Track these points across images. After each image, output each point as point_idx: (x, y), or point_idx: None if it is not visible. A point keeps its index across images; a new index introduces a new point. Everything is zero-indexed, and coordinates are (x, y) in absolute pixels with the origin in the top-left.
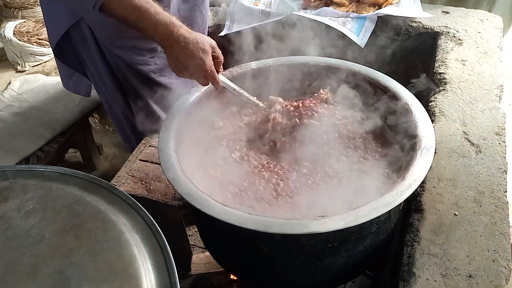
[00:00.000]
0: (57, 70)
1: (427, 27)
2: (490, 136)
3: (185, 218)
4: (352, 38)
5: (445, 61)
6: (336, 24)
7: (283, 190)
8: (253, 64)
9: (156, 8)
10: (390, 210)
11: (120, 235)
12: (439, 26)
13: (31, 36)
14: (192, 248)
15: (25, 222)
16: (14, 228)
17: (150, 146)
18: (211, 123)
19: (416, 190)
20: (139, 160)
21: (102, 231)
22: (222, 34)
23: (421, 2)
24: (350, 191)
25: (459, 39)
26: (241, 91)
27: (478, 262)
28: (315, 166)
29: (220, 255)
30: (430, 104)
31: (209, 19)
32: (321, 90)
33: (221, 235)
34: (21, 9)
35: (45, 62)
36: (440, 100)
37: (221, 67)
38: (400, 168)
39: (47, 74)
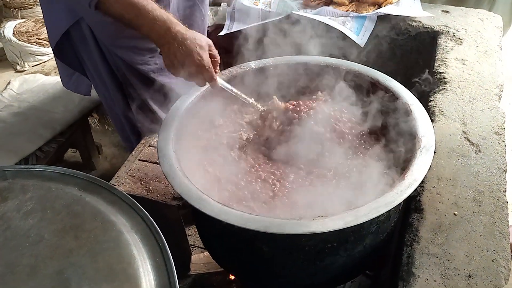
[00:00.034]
0: (57, 70)
1: (427, 26)
2: (489, 135)
3: (185, 218)
4: (352, 38)
5: (445, 61)
6: (336, 23)
7: (279, 190)
8: (253, 64)
9: (153, 5)
10: (389, 210)
11: (119, 235)
12: (439, 25)
13: (31, 36)
14: (191, 248)
15: (24, 222)
16: (13, 228)
17: (149, 146)
18: (212, 122)
19: (415, 190)
20: (139, 160)
21: (101, 231)
22: (221, 33)
23: (421, 1)
24: (349, 191)
25: (459, 38)
26: (239, 93)
27: (478, 262)
28: (313, 166)
29: (220, 255)
30: (429, 103)
31: (209, 19)
32: (319, 93)
33: (220, 235)
34: (20, 9)
35: (44, 62)
36: (440, 100)
37: (218, 67)
38: (399, 167)
39: (46, 74)
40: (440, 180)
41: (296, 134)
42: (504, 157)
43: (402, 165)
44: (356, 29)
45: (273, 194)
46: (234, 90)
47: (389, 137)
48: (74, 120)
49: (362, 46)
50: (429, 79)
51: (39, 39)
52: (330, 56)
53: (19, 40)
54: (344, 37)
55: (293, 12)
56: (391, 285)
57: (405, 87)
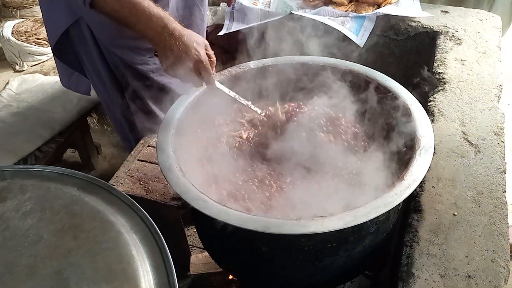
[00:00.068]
0: (56, 70)
1: (426, 26)
2: (489, 136)
3: (184, 218)
4: (351, 38)
5: (444, 61)
6: (335, 23)
7: (276, 191)
8: (252, 64)
9: (149, 2)
10: (389, 210)
11: (118, 236)
12: (438, 26)
13: (30, 36)
14: (190, 248)
15: (23, 222)
16: (12, 228)
17: (148, 146)
18: (212, 121)
19: (415, 190)
20: (138, 160)
21: (100, 231)
22: (221, 33)
23: (420, 2)
24: (348, 192)
25: (458, 38)
26: (237, 96)
27: (477, 262)
28: (312, 166)
29: (219, 255)
30: (429, 104)
31: (208, 19)
32: (317, 94)
33: (220, 235)
34: (19, 9)
35: (43, 61)
36: (439, 100)
37: (214, 68)
38: (399, 168)
39: (45, 73)
40: (440, 180)
41: (295, 135)
42: (504, 158)
43: (401, 166)
44: (355, 29)
45: (269, 195)
46: (232, 93)
47: (388, 137)
48: (72, 120)
49: (362, 46)
50: (429, 79)
51: (38, 39)
52: (329, 56)
53: (17, 39)
54: (344, 37)
55: (292, 12)
56: (391, 286)
57: (404, 87)
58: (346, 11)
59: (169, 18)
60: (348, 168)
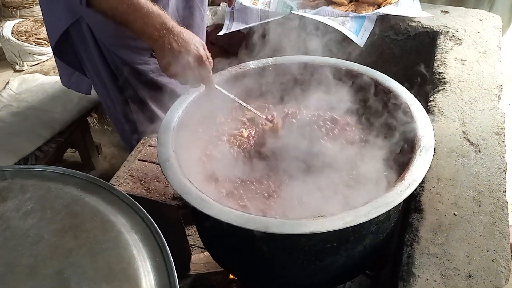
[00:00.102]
0: (56, 70)
1: (426, 26)
2: (489, 135)
3: (184, 218)
4: (351, 38)
5: (444, 61)
6: (335, 23)
7: (275, 191)
8: (252, 64)
9: (146, 0)
10: (389, 210)
11: (119, 235)
12: (438, 26)
13: (30, 36)
14: (191, 248)
15: (23, 222)
16: (12, 228)
17: (149, 145)
18: (212, 119)
19: (415, 190)
20: (138, 160)
21: (101, 231)
22: (221, 33)
23: (420, 2)
24: (348, 192)
25: (458, 38)
26: (236, 98)
27: (478, 262)
28: (311, 166)
29: (220, 255)
30: (429, 103)
31: (208, 19)
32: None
33: (220, 235)
34: (19, 9)
35: (43, 61)
36: (439, 100)
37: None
38: (399, 168)
39: (45, 73)
40: (440, 180)
41: (295, 135)
42: (504, 157)
43: (402, 165)
44: (355, 29)
45: (267, 195)
46: (230, 94)
47: (388, 137)
48: (73, 120)
49: (362, 46)
50: (428, 79)
51: (38, 38)
52: (329, 56)
53: (18, 39)
54: (344, 37)
55: (292, 12)
56: (391, 285)
57: (404, 87)
58: (346, 11)
59: (167, 16)
60: (348, 168)
